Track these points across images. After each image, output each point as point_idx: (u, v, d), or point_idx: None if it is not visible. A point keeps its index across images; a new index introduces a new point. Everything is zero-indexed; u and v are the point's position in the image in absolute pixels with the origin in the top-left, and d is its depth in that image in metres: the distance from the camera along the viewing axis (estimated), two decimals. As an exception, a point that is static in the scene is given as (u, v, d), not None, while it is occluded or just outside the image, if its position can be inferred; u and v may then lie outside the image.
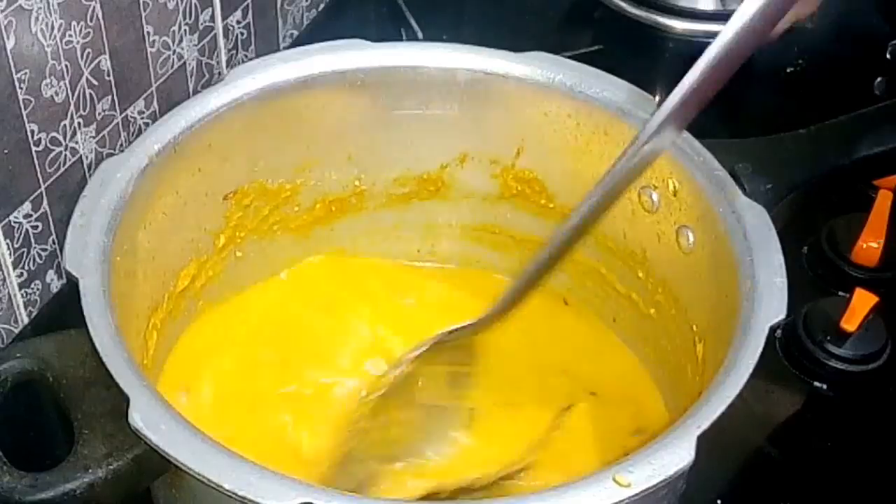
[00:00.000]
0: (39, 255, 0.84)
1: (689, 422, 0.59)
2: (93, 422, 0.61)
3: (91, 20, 0.80)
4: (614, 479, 0.56)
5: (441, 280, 0.89)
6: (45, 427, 0.76)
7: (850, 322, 0.86)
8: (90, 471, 0.59)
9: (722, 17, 1.14)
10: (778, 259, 0.68)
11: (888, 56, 1.11)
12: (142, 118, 0.90)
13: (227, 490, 0.54)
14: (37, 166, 0.80)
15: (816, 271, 0.94)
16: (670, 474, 0.56)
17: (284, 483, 0.55)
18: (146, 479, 0.61)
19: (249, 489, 0.54)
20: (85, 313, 0.62)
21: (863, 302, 0.86)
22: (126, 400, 0.58)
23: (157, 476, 0.61)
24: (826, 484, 0.80)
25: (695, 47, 1.14)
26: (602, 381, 0.82)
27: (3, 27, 0.72)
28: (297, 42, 1.10)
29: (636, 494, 0.55)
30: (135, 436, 0.57)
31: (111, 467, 0.59)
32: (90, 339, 0.61)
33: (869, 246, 0.93)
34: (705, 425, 0.59)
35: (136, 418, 0.57)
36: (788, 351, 0.87)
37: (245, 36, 1.01)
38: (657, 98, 0.80)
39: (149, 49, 0.87)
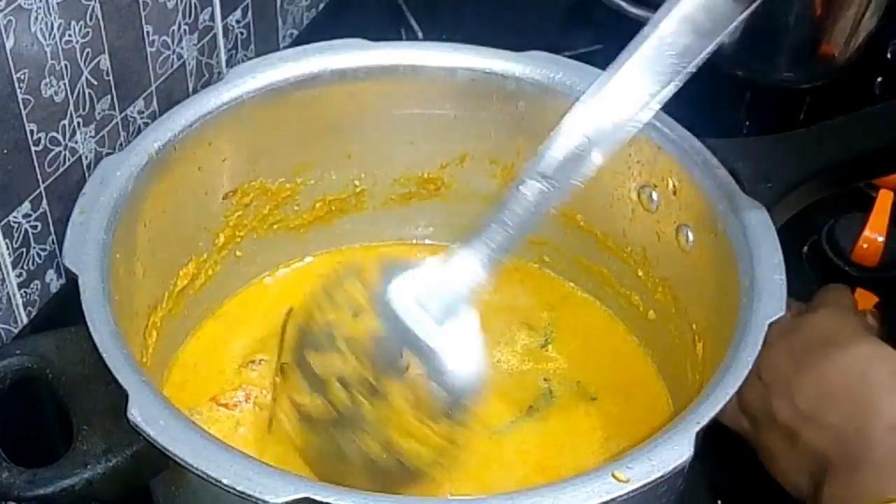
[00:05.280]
0: (39, 255, 0.84)
1: (688, 418, 0.59)
2: (92, 418, 0.61)
3: (90, 20, 0.80)
4: (613, 475, 0.56)
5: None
6: (45, 423, 0.76)
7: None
8: (89, 467, 0.59)
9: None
10: (777, 257, 0.68)
11: (888, 56, 1.11)
12: (141, 118, 0.90)
13: (226, 485, 0.55)
14: (36, 166, 0.80)
15: (816, 271, 0.94)
16: (669, 470, 0.56)
17: (283, 478, 0.55)
18: (145, 475, 0.61)
19: (248, 484, 0.54)
20: (84, 309, 0.62)
21: (863, 301, 0.86)
22: (125, 396, 0.58)
23: (156, 472, 0.61)
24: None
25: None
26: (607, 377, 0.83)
27: (2, 27, 0.72)
28: (297, 42, 1.10)
29: (635, 490, 0.55)
30: (133, 432, 0.57)
31: (110, 463, 0.59)
32: (89, 336, 0.61)
33: (869, 246, 0.93)
34: (704, 422, 0.59)
35: (135, 413, 0.57)
36: (789, 350, 0.87)
37: (245, 35, 1.01)
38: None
39: (148, 49, 0.88)
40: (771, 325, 0.64)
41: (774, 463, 0.72)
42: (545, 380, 0.82)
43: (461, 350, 0.68)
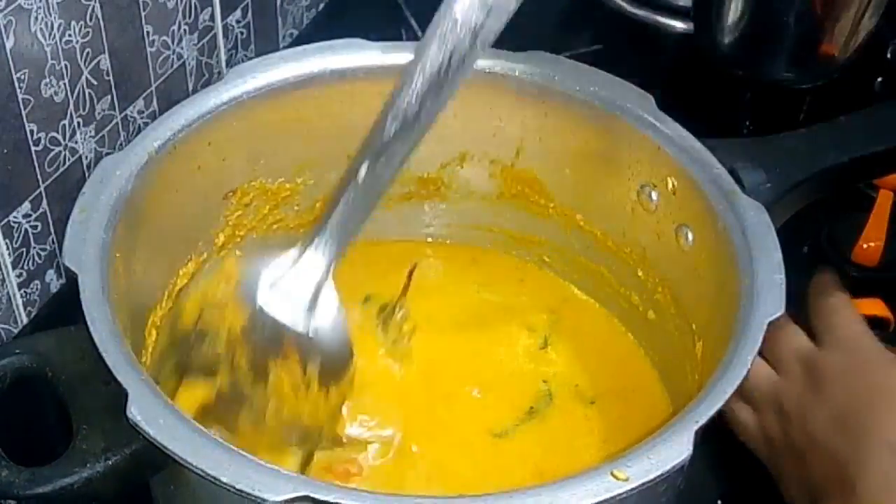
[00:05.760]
0: (39, 255, 0.84)
1: (687, 417, 0.59)
2: (91, 417, 0.61)
3: (90, 20, 0.80)
4: (612, 474, 0.56)
5: (440, 278, 0.89)
6: (44, 422, 0.76)
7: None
8: (88, 465, 0.59)
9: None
10: (777, 256, 0.68)
11: (888, 56, 1.11)
12: (141, 118, 0.90)
13: (225, 483, 0.54)
14: (36, 166, 0.80)
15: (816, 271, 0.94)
16: (668, 469, 0.56)
17: (281, 476, 0.55)
18: (144, 473, 0.62)
19: (247, 482, 0.54)
20: (83, 308, 0.62)
21: (866, 309, 0.85)
22: (124, 395, 0.58)
23: (156, 470, 0.61)
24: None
25: (695, 47, 1.15)
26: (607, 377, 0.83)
27: (2, 27, 0.72)
28: (297, 42, 1.10)
29: (634, 488, 0.55)
30: (133, 430, 0.57)
31: (109, 462, 0.59)
32: (89, 335, 0.61)
33: (869, 246, 0.93)
34: (703, 420, 0.59)
35: (135, 412, 0.57)
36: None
37: (245, 35, 1.01)
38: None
39: (148, 49, 0.88)
40: (770, 324, 0.64)
41: (786, 488, 0.72)
42: (544, 382, 0.82)
43: (330, 331, 0.71)
